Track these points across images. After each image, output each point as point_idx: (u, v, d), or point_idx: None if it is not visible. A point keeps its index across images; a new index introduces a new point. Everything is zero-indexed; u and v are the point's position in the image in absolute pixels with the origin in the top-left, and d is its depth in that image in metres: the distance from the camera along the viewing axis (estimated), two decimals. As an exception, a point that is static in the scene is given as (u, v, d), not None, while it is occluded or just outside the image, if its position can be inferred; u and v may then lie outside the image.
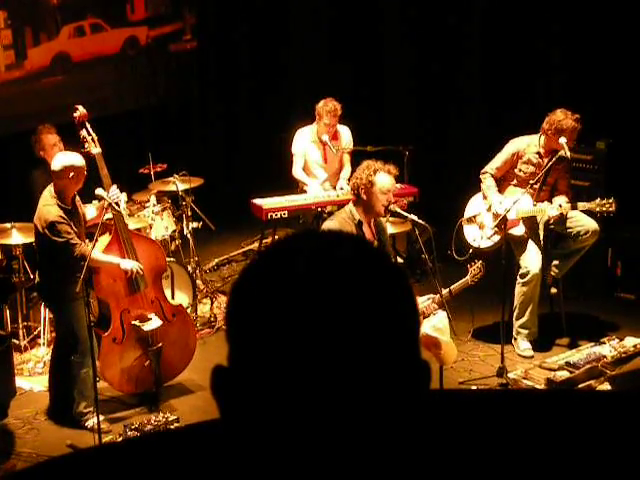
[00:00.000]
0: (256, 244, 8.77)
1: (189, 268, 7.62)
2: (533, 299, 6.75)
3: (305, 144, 7.86)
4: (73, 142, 6.28)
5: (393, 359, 1.00)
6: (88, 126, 6.04)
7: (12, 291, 7.04)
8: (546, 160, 6.65)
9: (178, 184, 7.61)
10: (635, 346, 6.41)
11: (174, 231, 7.63)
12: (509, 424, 1.27)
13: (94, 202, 6.21)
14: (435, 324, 5.29)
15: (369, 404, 0.98)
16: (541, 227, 6.83)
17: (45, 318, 6.90)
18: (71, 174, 5.67)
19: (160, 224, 7.37)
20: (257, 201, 7.52)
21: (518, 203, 6.52)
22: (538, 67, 9.13)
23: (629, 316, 7.30)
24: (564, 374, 6.14)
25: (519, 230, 6.69)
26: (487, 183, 6.83)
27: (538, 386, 6.14)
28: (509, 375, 6.30)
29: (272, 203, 7.46)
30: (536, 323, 6.84)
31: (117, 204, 5.92)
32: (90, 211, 6.14)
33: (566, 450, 1.22)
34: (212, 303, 7.69)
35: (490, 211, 6.78)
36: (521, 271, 6.72)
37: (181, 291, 7.28)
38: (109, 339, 6.03)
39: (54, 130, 7.09)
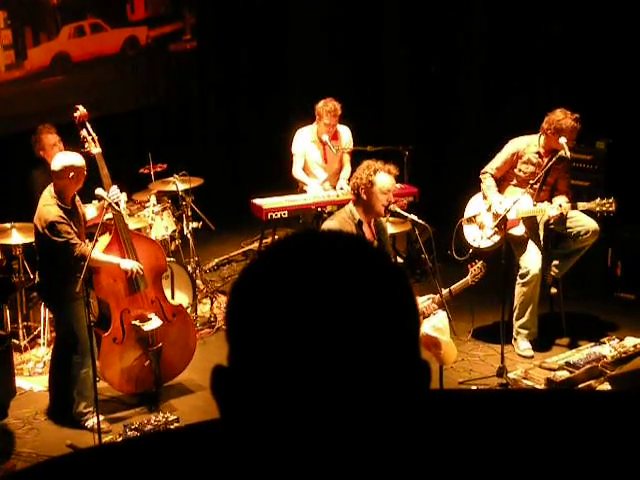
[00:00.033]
0: (256, 244, 8.77)
1: (189, 268, 7.62)
2: (533, 299, 6.75)
3: (305, 144, 7.86)
4: (73, 142, 6.28)
5: (393, 359, 1.00)
6: (88, 126, 6.04)
7: (12, 291, 7.04)
8: (546, 160, 6.65)
9: (178, 184, 7.61)
10: (635, 346, 6.41)
11: (174, 231, 7.63)
12: (509, 424, 1.27)
13: (94, 202, 6.21)
14: (435, 324, 5.29)
15: (369, 404, 0.98)
16: (541, 227, 6.83)
17: (45, 318, 6.90)
18: (71, 174, 5.66)
19: (160, 224, 7.37)
20: (257, 201, 7.52)
21: (518, 203, 6.52)
22: (538, 67, 9.13)
23: (629, 316, 7.30)
24: (564, 374, 6.14)
25: (519, 230, 6.69)
26: (487, 183, 6.83)
27: (538, 386, 6.14)
28: (509, 375, 6.30)
29: (272, 203, 7.46)
30: (536, 323, 6.84)
31: (117, 204, 5.92)
32: (90, 211, 6.14)
33: (566, 450, 1.22)
34: (212, 303, 7.69)
35: (490, 211, 6.78)
36: (521, 271, 6.72)
37: (181, 291, 7.28)
38: (109, 339, 6.03)
39: (54, 130, 7.09)
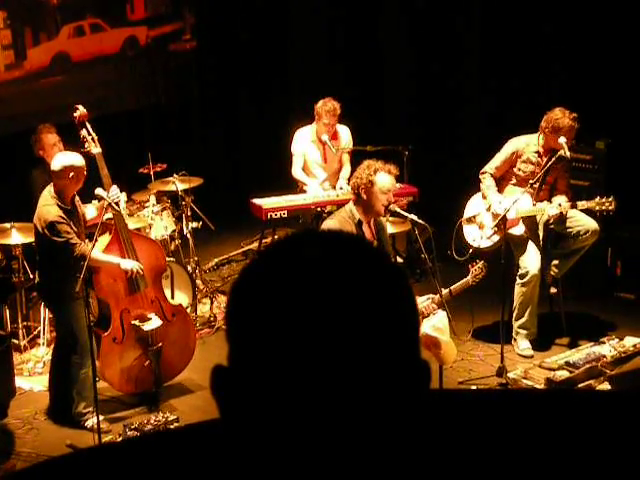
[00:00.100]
0: (256, 244, 8.77)
1: (189, 268, 7.62)
2: (532, 299, 6.75)
3: (305, 144, 7.86)
4: (73, 142, 6.28)
5: (393, 359, 1.00)
6: (88, 126, 6.04)
7: (12, 291, 7.04)
8: (545, 159, 6.65)
9: (178, 184, 7.61)
10: (635, 346, 6.41)
11: (174, 231, 7.63)
12: (509, 424, 1.27)
13: (94, 202, 6.21)
14: (435, 324, 5.29)
15: (369, 404, 0.98)
16: (541, 227, 6.83)
17: (45, 318, 6.90)
18: (71, 174, 5.66)
19: (160, 224, 7.37)
20: (257, 201, 7.52)
21: (518, 203, 6.52)
22: (538, 67, 9.13)
23: (629, 316, 7.30)
24: (564, 374, 6.14)
25: (519, 230, 6.69)
26: (486, 183, 6.83)
27: (538, 386, 6.14)
28: (509, 375, 6.30)
29: (272, 203, 7.46)
30: (535, 323, 6.84)
31: (117, 204, 5.91)
32: (90, 211, 6.14)
33: (566, 450, 1.22)
34: (212, 303, 7.69)
35: (490, 211, 6.78)
36: (520, 271, 6.72)
37: (181, 291, 7.28)
38: (109, 339, 6.02)
39: (54, 130, 7.09)
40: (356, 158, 7.15)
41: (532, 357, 6.69)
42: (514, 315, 6.83)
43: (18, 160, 7.77)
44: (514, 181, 6.81)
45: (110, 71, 9.81)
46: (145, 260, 6.07)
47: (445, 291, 5.65)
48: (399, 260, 8.11)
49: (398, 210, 5.84)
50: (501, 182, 6.87)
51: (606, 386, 5.91)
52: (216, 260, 8.85)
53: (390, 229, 6.85)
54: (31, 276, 6.91)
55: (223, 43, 10.69)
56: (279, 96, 10.43)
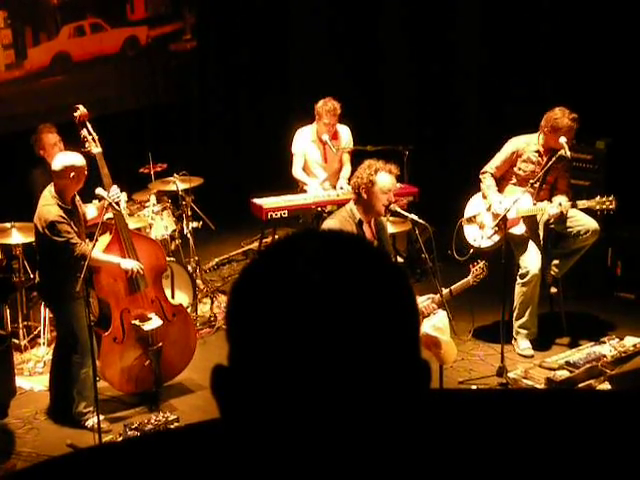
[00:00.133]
0: (256, 244, 8.78)
1: (189, 268, 7.62)
2: (533, 299, 6.75)
3: (305, 144, 7.86)
4: (73, 142, 6.28)
5: (393, 358, 1.00)
6: (89, 126, 6.04)
7: (12, 291, 7.04)
8: (545, 158, 6.66)
9: (178, 184, 7.62)
10: (635, 345, 6.41)
11: (174, 231, 7.63)
12: (509, 424, 1.27)
13: (94, 202, 6.21)
14: (435, 323, 5.29)
15: (369, 404, 0.98)
16: (541, 227, 6.83)
17: (45, 318, 6.91)
18: (72, 174, 5.67)
19: (160, 224, 7.37)
20: (257, 201, 7.52)
21: (518, 202, 6.52)
22: (538, 66, 9.13)
23: (629, 315, 7.30)
24: (564, 373, 6.14)
25: (519, 229, 6.69)
26: (487, 183, 6.83)
27: (538, 386, 6.14)
28: (509, 375, 6.30)
29: (272, 203, 7.46)
30: (536, 323, 6.84)
31: (117, 204, 5.92)
32: (90, 211, 6.14)
33: (566, 450, 1.22)
34: (212, 303, 7.69)
35: (490, 211, 6.78)
36: (521, 271, 6.72)
37: (181, 291, 7.28)
38: (109, 339, 6.03)
39: (55, 130, 7.09)
40: (356, 158, 7.15)
41: (532, 357, 6.69)
42: (514, 315, 6.83)
43: (18, 160, 7.78)
44: (514, 181, 6.81)
45: (110, 71, 9.81)
46: (145, 260, 6.07)
47: (445, 291, 5.65)
48: (399, 260, 8.11)
49: (398, 210, 5.84)
50: (501, 182, 6.87)
51: (606, 386, 5.91)
52: (216, 260, 8.85)
53: (390, 229, 6.85)
54: (31, 276, 6.91)
55: (223, 43, 10.69)
56: (279, 96, 10.43)
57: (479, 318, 6.98)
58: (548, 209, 6.61)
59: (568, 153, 6.53)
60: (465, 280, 5.78)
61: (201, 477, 1.13)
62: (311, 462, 0.98)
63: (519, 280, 6.74)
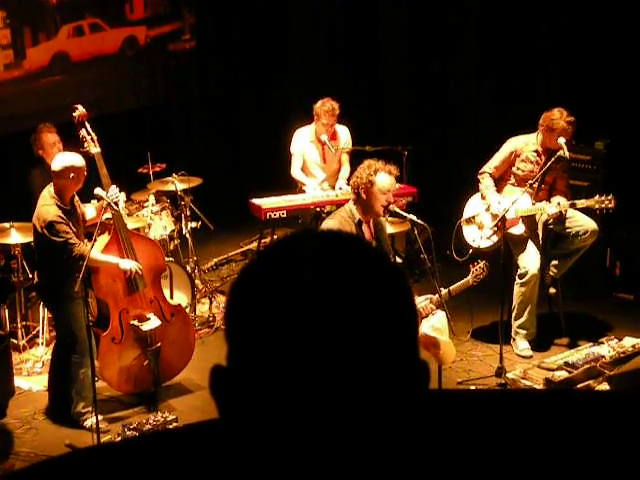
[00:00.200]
0: (255, 244, 8.78)
1: (188, 268, 7.62)
2: (532, 299, 6.76)
3: (304, 144, 7.86)
4: (72, 142, 6.28)
5: (392, 359, 1.00)
6: (87, 126, 6.04)
7: (11, 291, 7.04)
8: (544, 158, 6.66)
9: (177, 184, 7.62)
10: (634, 346, 6.41)
11: (173, 231, 7.63)
12: (508, 424, 1.27)
13: (93, 202, 6.21)
14: (434, 324, 5.29)
15: (368, 404, 0.98)
16: (540, 227, 6.84)
17: (44, 318, 6.90)
18: (71, 175, 5.67)
19: (159, 224, 7.37)
20: (256, 201, 7.51)
21: (517, 202, 6.52)
22: (537, 67, 9.14)
23: (628, 316, 7.30)
24: (563, 374, 6.14)
25: (518, 229, 6.69)
26: (485, 183, 6.83)
27: (537, 386, 6.14)
28: (508, 375, 6.30)
29: (271, 203, 7.46)
30: (535, 323, 6.84)
31: (116, 204, 5.92)
32: (89, 211, 6.13)
33: (565, 450, 1.22)
34: (211, 303, 7.69)
35: (489, 211, 6.78)
36: (520, 271, 6.72)
37: (180, 291, 7.27)
38: (108, 339, 6.02)
39: (54, 129, 7.08)
40: (355, 158, 7.15)
41: (531, 357, 6.69)
42: (513, 315, 6.84)
43: (17, 160, 7.77)
44: (513, 181, 6.82)
45: (109, 71, 9.81)
46: (144, 260, 6.07)
47: (444, 291, 5.65)
48: (398, 260, 8.10)
49: (397, 210, 5.84)
50: (500, 182, 6.87)
51: (605, 386, 5.91)
52: (215, 260, 8.85)
53: (389, 229, 6.85)
54: (30, 276, 6.91)
55: (222, 43, 10.69)
56: (278, 96, 10.43)
57: (478, 318, 6.98)
58: (547, 209, 6.61)
59: (567, 154, 6.53)
60: (465, 280, 5.78)
61: (200, 477, 1.13)
62: (310, 462, 0.98)
63: (518, 280, 6.75)
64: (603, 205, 6.56)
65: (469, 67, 9.73)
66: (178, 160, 8.03)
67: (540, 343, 6.85)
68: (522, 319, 6.79)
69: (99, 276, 5.95)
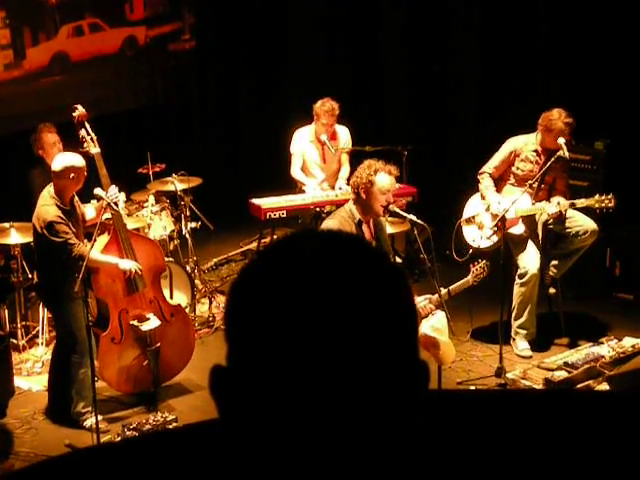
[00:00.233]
0: (254, 244, 8.77)
1: (188, 268, 7.62)
2: (531, 299, 6.75)
3: (303, 144, 7.87)
4: (72, 142, 6.28)
5: (392, 359, 1.00)
6: (87, 126, 6.04)
7: (11, 291, 7.04)
8: (544, 158, 6.66)
9: (177, 184, 7.62)
10: (633, 346, 6.41)
11: (172, 231, 7.63)
12: (507, 424, 1.27)
13: (93, 202, 6.21)
14: (434, 324, 5.29)
15: (368, 404, 0.98)
16: (540, 226, 6.84)
17: (44, 318, 6.90)
18: (72, 175, 5.67)
19: (159, 224, 7.37)
20: (255, 201, 7.51)
21: (517, 202, 6.52)
22: (537, 67, 9.14)
23: (627, 316, 7.30)
24: (562, 374, 6.14)
25: (518, 229, 6.69)
26: (485, 183, 6.83)
27: (536, 386, 6.14)
28: (507, 375, 6.30)
29: (270, 203, 7.46)
30: (534, 323, 6.84)
31: (116, 204, 5.92)
32: (89, 211, 6.13)
33: (565, 450, 1.22)
34: (211, 303, 7.69)
35: (489, 211, 6.78)
36: (519, 271, 6.72)
37: (180, 291, 7.27)
38: (107, 339, 6.02)
39: (54, 129, 7.08)
40: (355, 158, 7.15)
41: (531, 357, 6.69)
42: (513, 315, 6.83)
43: (17, 160, 7.77)
44: (512, 181, 6.82)
45: (109, 71, 9.81)
46: (144, 260, 6.07)
47: (444, 291, 5.65)
48: (398, 260, 8.10)
49: (397, 210, 5.84)
50: (499, 182, 6.87)
51: (605, 386, 5.91)
52: (215, 260, 8.85)
53: (389, 229, 6.85)
54: (30, 276, 6.91)
55: (222, 43, 10.69)
56: (278, 96, 10.43)
57: (477, 319, 6.98)
58: (547, 208, 6.61)
59: (567, 154, 6.54)
60: (465, 280, 5.78)
61: (200, 477, 1.13)
62: (310, 463, 0.98)
63: (518, 280, 6.75)
64: (603, 204, 6.56)
65: (469, 67, 9.73)
66: (178, 160, 8.03)
67: (540, 343, 6.85)
68: (522, 319, 6.79)
69: (99, 276, 5.95)
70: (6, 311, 7.01)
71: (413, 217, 5.83)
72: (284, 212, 7.42)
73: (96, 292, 6.09)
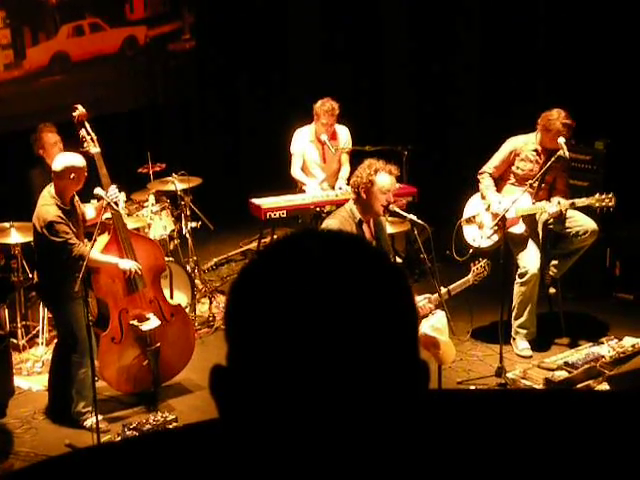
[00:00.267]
0: (255, 244, 8.77)
1: (188, 268, 7.62)
2: (532, 299, 6.75)
3: (304, 144, 7.87)
4: (72, 141, 6.28)
5: (392, 359, 1.00)
6: (87, 125, 6.04)
7: (11, 290, 7.04)
8: (544, 157, 6.67)
9: (177, 184, 7.62)
10: (633, 346, 6.41)
11: (173, 231, 7.63)
12: (507, 424, 1.27)
13: (93, 202, 6.21)
14: (434, 324, 5.29)
15: (368, 404, 0.98)
16: (540, 226, 6.84)
17: (44, 317, 6.90)
18: (72, 175, 5.67)
19: (159, 224, 7.37)
20: (256, 201, 7.51)
21: (517, 202, 6.52)
22: (537, 67, 9.14)
23: (627, 316, 7.29)
24: (563, 374, 6.14)
25: (519, 228, 6.69)
26: (485, 183, 6.83)
27: (537, 386, 6.14)
28: (508, 375, 6.30)
29: (271, 203, 7.46)
30: (535, 323, 6.84)
31: (116, 204, 5.92)
32: (89, 211, 6.14)
33: (564, 450, 1.22)
34: (211, 303, 7.69)
35: (489, 211, 6.78)
36: (520, 271, 6.72)
37: (180, 291, 7.27)
38: (107, 339, 6.02)
39: (55, 129, 7.08)
40: (355, 158, 7.15)
41: (531, 357, 6.69)
42: (513, 315, 6.83)
43: (17, 160, 7.77)
44: (513, 180, 6.82)
45: (109, 71, 9.81)
46: (144, 260, 6.07)
47: (443, 290, 5.65)
48: (398, 260, 8.10)
49: (397, 210, 5.84)
50: (499, 182, 6.88)
51: (605, 386, 5.91)
52: (215, 260, 8.85)
53: (389, 229, 6.85)
54: (30, 275, 6.91)
55: (222, 43, 10.69)
56: (279, 96, 10.43)
57: (478, 318, 6.98)
58: (547, 208, 6.61)
59: (567, 153, 6.54)
60: (465, 279, 5.78)
61: (200, 477, 1.13)
62: (310, 462, 0.98)
63: (518, 280, 6.75)
64: (603, 203, 6.56)
65: (469, 67, 9.73)
66: (178, 160, 8.03)
67: (540, 343, 6.85)
68: (522, 319, 6.79)
69: (99, 276, 5.95)
70: (6, 311, 7.01)
71: (413, 217, 5.83)
72: (284, 212, 7.42)
73: (96, 292, 6.09)
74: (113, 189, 5.87)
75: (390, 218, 6.78)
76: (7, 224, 6.83)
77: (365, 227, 5.83)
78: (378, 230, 5.95)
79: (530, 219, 6.75)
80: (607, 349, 6.40)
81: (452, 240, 6.89)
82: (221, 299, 7.75)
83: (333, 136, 7.83)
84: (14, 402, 6.11)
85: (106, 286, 6.00)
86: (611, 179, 7.72)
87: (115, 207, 5.91)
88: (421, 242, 5.91)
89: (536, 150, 6.71)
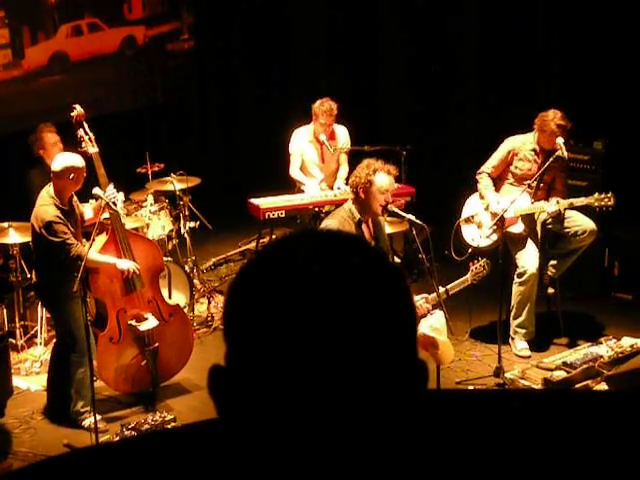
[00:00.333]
0: (253, 244, 8.77)
1: (186, 268, 7.61)
2: (530, 299, 6.76)
3: (302, 144, 7.86)
4: (70, 141, 6.28)
5: (391, 359, 1.00)
6: (85, 125, 6.04)
7: (9, 290, 7.04)
8: (542, 157, 6.67)
9: (175, 183, 7.62)
10: (632, 346, 6.41)
11: (171, 230, 7.62)
12: (506, 424, 1.27)
13: (91, 201, 6.21)
14: (432, 324, 5.29)
15: (367, 404, 0.98)
16: (539, 226, 6.84)
17: (42, 317, 6.90)
18: (71, 175, 5.67)
19: (157, 223, 7.37)
20: (254, 201, 7.51)
21: (516, 201, 6.52)
22: (537, 67, 9.14)
23: (626, 316, 7.30)
24: (561, 374, 6.14)
25: (518, 228, 6.69)
26: (484, 183, 6.84)
27: (535, 386, 6.14)
28: (506, 375, 6.30)
29: (269, 203, 7.46)
30: (533, 323, 6.85)
31: (114, 203, 5.92)
32: (88, 211, 6.13)
33: (563, 450, 1.22)
34: (209, 302, 7.69)
35: (488, 210, 6.78)
36: (518, 271, 6.73)
37: (178, 291, 7.27)
38: (106, 339, 6.02)
39: (54, 129, 7.07)
40: (354, 158, 7.15)
41: (529, 357, 6.69)
42: (512, 314, 6.83)
43: (16, 160, 7.77)
44: (511, 180, 6.82)
45: (108, 71, 9.81)
46: (142, 260, 6.07)
47: (442, 290, 5.65)
48: (397, 260, 8.10)
49: (396, 210, 5.84)
50: (498, 182, 6.88)
51: (603, 386, 5.91)
52: (213, 260, 8.84)
53: (388, 229, 6.84)
54: (28, 275, 6.90)
55: (222, 43, 10.69)
56: (277, 96, 10.43)
57: (476, 318, 6.98)
58: (546, 207, 6.62)
59: (565, 153, 6.54)
60: (463, 279, 5.78)
61: (198, 477, 1.13)
62: (309, 462, 0.98)
63: (517, 280, 6.75)
64: (602, 203, 6.56)
65: (469, 67, 9.73)
66: (176, 160, 8.02)
67: (538, 343, 6.85)
68: (521, 319, 6.80)
69: (97, 276, 5.94)
70: (5, 311, 7.00)
71: (412, 217, 5.83)
72: (283, 212, 7.42)
73: (94, 292, 6.09)
74: (111, 189, 5.87)
75: (389, 218, 6.78)
76: (5, 224, 6.82)
77: (364, 227, 5.83)
78: (377, 230, 5.95)
79: (529, 219, 6.75)
80: (605, 349, 6.40)
81: (451, 240, 6.89)
82: (220, 299, 7.75)
83: (332, 136, 7.83)
84: (13, 402, 6.11)
85: (104, 286, 6.00)
86: (610, 179, 7.72)
87: (113, 207, 5.91)
88: (420, 242, 5.91)
89: (534, 150, 6.71)
